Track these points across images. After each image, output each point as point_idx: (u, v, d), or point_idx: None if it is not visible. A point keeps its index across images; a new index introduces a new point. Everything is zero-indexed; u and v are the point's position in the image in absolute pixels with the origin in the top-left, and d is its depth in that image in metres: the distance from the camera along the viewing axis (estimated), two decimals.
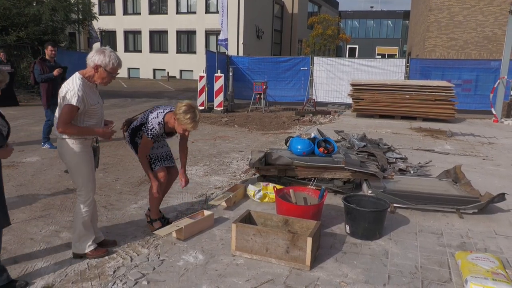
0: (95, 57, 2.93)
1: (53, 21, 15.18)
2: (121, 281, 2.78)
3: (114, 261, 3.06)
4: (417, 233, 3.67)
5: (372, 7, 52.91)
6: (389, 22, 49.20)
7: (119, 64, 3.01)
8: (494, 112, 11.77)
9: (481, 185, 5.00)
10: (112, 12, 30.01)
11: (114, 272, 2.90)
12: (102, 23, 21.18)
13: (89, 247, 3.09)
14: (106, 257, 3.12)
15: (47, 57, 6.89)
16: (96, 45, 19.03)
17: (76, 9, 16.26)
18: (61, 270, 2.92)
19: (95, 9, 19.63)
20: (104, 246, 3.25)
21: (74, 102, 2.81)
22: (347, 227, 3.60)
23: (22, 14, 13.94)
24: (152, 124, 3.30)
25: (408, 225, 3.85)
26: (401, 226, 3.82)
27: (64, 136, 2.93)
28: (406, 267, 3.04)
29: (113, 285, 2.73)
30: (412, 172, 5.49)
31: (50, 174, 5.27)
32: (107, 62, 2.92)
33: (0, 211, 2.60)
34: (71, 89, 2.85)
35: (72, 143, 2.94)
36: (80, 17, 16.99)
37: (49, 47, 6.92)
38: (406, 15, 43.72)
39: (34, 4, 14.58)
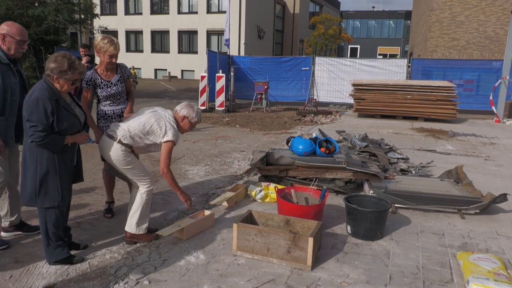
0: (184, 110, 3.46)
1: (55, 21, 15.21)
2: (122, 280, 2.78)
3: (116, 260, 3.07)
4: (419, 234, 3.66)
5: (373, 7, 52.91)
6: (391, 22, 49.16)
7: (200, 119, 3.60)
8: (495, 111, 11.75)
9: (483, 186, 4.99)
10: (113, 12, 30.06)
11: (115, 271, 2.90)
12: (103, 23, 21.19)
13: (145, 229, 3.38)
14: (108, 257, 3.12)
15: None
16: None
17: (78, 9, 16.27)
18: (62, 269, 2.92)
19: (97, 9, 19.64)
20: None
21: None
22: (349, 227, 3.60)
23: (24, 15, 13.96)
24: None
25: (410, 226, 3.84)
26: (402, 226, 3.82)
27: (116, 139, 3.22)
28: (408, 268, 3.03)
29: (114, 284, 2.73)
30: (413, 172, 5.49)
31: None
32: (193, 116, 3.49)
33: (52, 192, 2.83)
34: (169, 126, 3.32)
35: (119, 148, 3.23)
36: (82, 16, 17.00)
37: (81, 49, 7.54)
38: (407, 15, 43.68)
39: (36, 5, 14.60)
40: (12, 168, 3.36)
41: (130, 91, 4.07)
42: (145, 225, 3.37)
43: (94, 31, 18.59)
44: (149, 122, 3.29)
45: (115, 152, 3.22)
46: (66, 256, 3.00)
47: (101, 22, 19.15)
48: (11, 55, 3.14)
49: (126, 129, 3.27)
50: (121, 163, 3.24)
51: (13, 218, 3.44)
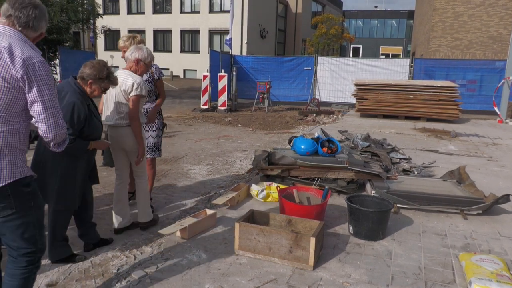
0: (135, 53, 3.45)
1: (59, 21, 15.25)
2: (124, 279, 2.79)
3: (118, 259, 3.08)
4: (421, 234, 3.66)
5: (376, 6, 52.73)
6: (393, 21, 49.04)
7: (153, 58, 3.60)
8: (497, 111, 11.72)
9: (485, 186, 4.98)
10: (116, 12, 30.08)
11: (117, 270, 2.91)
12: (106, 22, 21.23)
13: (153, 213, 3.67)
14: (110, 255, 3.13)
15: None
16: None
17: (80, 8, 16.31)
18: (65, 267, 2.93)
19: (100, 9, 19.67)
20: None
21: (143, 92, 3.38)
22: (351, 227, 3.59)
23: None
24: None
25: (412, 226, 3.84)
26: (404, 226, 3.81)
27: (125, 123, 3.38)
28: (410, 268, 3.03)
29: (116, 283, 2.74)
30: (416, 172, 5.48)
31: None
32: (146, 56, 3.48)
33: (69, 195, 2.92)
34: (137, 81, 3.34)
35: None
36: (85, 16, 17.04)
37: None
38: (410, 14, 43.58)
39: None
40: None
41: (160, 92, 4.11)
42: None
43: (97, 31, 18.63)
44: (120, 93, 3.36)
45: (134, 138, 3.42)
46: (69, 255, 3.04)
47: (104, 21, 19.16)
48: None
49: (123, 111, 3.37)
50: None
51: None
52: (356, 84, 12.08)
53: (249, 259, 3.09)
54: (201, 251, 3.22)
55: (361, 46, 45.92)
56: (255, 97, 13.43)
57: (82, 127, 2.84)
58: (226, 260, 3.08)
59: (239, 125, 10.28)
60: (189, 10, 27.95)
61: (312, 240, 2.89)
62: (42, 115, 1.93)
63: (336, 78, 14.63)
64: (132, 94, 3.32)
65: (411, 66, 13.99)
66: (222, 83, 12.66)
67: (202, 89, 12.85)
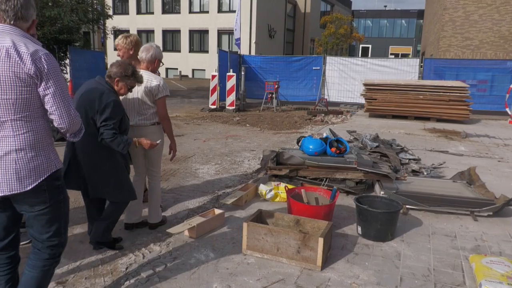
0: (153, 53, 3.55)
1: (69, 21, 15.39)
2: (133, 277, 2.81)
3: (127, 257, 3.10)
4: (430, 235, 3.63)
5: (385, 6, 52.53)
6: (403, 21, 48.72)
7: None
8: (509, 113, 11.57)
9: (496, 187, 4.92)
10: (125, 12, 30.29)
11: (126, 268, 2.93)
12: (116, 22, 21.37)
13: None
14: (119, 254, 3.15)
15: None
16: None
17: (90, 9, 16.43)
18: (74, 265, 2.96)
19: (110, 10, 19.80)
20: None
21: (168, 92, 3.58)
22: (359, 228, 3.58)
23: (40, 15, 14.14)
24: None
25: (421, 227, 3.81)
26: (413, 228, 3.78)
27: (149, 123, 3.51)
28: (419, 270, 3.01)
29: (125, 281, 2.76)
30: (425, 173, 5.43)
31: None
32: (162, 55, 3.66)
33: (129, 185, 3.13)
34: (161, 82, 3.48)
35: (160, 129, 3.59)
36: (95, 16, 17.17)
37: None
38: (420, 14, 43.25)
39: (50, 4, 14.78)
40: None
41: None
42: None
43: (107, 31, 18.77)
44: (144, 95, 3.46)
45: (160, 135, 3.57)
46: (112, 240, 3.27)
47: (113, 21, 19.29)
48: None
49: (146, 112, 3.48)
50: (162, 144, 3.55)
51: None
52: (365, 84, 12.01)
53: (257, 259, 3.09)
54: (209, 250, 3.23)
55: (370, 46, 45.72)
56: (264, 97, 13.43)
57: (120, 123, 3.02)
58: (234, 260, 3.08)
59: (247, 125, 10.28)
60: (198, 10, 28.05)
61: (320, 241, 2.89)
62: (54, 107, 1.96)
63: (345, 78, 14.56)
64: (159, 96, 3.48)
65: (421, 66, 13.87)
66: (231, 83, 12.68)
67: (210, 88, 12.88)
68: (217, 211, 3.82)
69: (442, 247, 3.39)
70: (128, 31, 29.59)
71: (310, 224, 3.31)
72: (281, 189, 4.43)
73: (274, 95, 13.17)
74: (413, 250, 3.32)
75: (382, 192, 4.27)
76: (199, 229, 3.46)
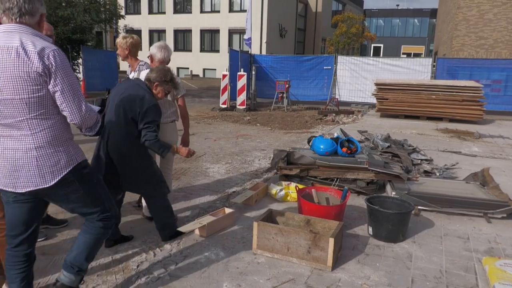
0: (168, 54, 3.83)
1: (82, 21, 15.57)
2: (144, 275, 2.83)
3: (138, 256, 3.12)
4: (442, 237, 3.59)
5: (398, 5, 51.94)
6: (415, 20, 48.21)
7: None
8: None
9: (510, 189, 4.84)
10: (137, 11, 30.52)
11: (137, 266, 2.95)
12: (127, 22, 21.54)
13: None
14: (130, 252, 3.18)
15: None
16: None
17: (103, 9, 16.60)
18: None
19: (122, 10, 19.98)
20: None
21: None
22: (370, 229, 3.55)
23: (54, 15, 14.33)
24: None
25: (433, 228, 3.77)
26: (425, 229, 3.75)
27: (170, 120, 3.70)
28: (431, 271, 2.98)
29: (136, 279, 2.78)
30: (437, 174, 5.37)
31: None
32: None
33: (159, 181, 3.25)
34: (179, 80, 3.56)
35: (175, 126, 3.78)
36: (108, 16, 17.33)
37: None
38: (433, 13, 42.76)
39: (63, 4, 14.96)
40: None
41: None
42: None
43: (119, 31, 18.94)
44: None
45: (175, 133, 3.79)
46: (177, 231, 3.39)
47: (125, 21, 19.45)
48: None
49: (166, 110, 3.64)
50: (176, 141, 3.75)
51: None
52: (376, 84, 11.93)
53: (267, 258, 3.09)
54: (219, 249, 3.24)
55: (382, 45, 45.34)
56: (274, 97, 13.41)
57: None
58: (244, 259, 3.09)
59: (258, 124, 10.29)
60: (209, 10, 28.13)
61: (331, 241, 2.87)
62: (64, 104, 1.98)
63: (356, 78, 14.47)
64: (180, 94, 3.78)
65: (434, 66, 13.72)
66: (241, 82, 12.70)
67: (221, 88, 12.91)
68: (228, 210, 3.83)
69: (454, 249, 3.35)
70: (140, 31, 29.85)
71: (320, 224, 3.30)
72: (291, 189, 4.42)
73: (284, 95, 13.15)
74: (425, 252, 3.29)
75: (393, 193, 4.23)
76: (209, 228, 3.47)
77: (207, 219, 3.58)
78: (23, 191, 2.04)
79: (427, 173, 5.36)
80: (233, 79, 12.92)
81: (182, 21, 29.01)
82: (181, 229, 3.43)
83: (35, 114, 1.95)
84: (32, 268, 2.31)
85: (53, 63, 1.92)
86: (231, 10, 27.17)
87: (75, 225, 3.66)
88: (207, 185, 5.00)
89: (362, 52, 41.05)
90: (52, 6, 14.42)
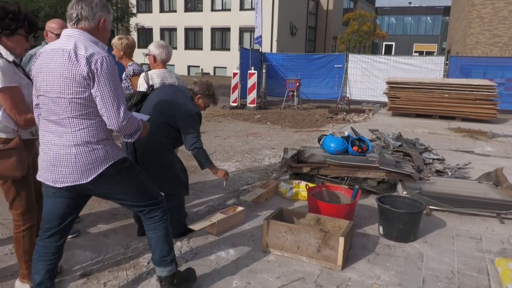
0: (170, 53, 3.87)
1: None
2: (154, 272, 2.84)
3: (148, 252, 3.13)
4: (454, 237, 3.55)
5: (410, 2, 51.31)
6: (428, 18, 47.66)
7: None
8: None
9: None
10: (149, 10, 30.69)
11: (148, 263, 2.98)
12: (139, 20, 21.69)
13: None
14: (141, 248, 3.20)
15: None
16: None
17: (115, 7, 16.72)
18: (98, 259, 3.03)
19: (134, 9, 20.11)
20: None
21: None
22: (381, 228, 3.53)
23: (65, 13, 14.50)
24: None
25: (445, 229, 3.73)
26: (437, 229, 3.71)
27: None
28: (442, 272, 2.95)
29: (147, 275, 2.81)
30: (450, 173, 5.32)
31: None
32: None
33: (182, 182, 3.35)
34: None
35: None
36: (119, 15, 17.46)
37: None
38: (446, 11, 42.22)
39: None
40: None
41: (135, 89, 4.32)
42: None
43: (131, 29, 19.07)
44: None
45: None
46: (186, 229, 3.44)
47: (137, 19, 19.58)
48: None
49: None
50: None
51: None
52: (388, 82, 11.83)
53: (277, 256, 3.09)
54: (229, 247, 3.25)
55: (393, 43, 44.87)
56: (285, 95, 13.38)
57: None
58: (254, 257, 3.09)
59: (268, 122, 10.28)
60: (220, 8, 28.15)
61: (341, 240, 2.86)
62: (103, 109, 2.05)
63: (367, 76, 14.36)
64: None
65: (446, 64, 13.56)
66: (252, 81, 12.69)
67: (231, 86, 12.93)
68: (238, 208, 3.83)
69: (466, 250, 3.31)
70: (151, 29, 30.03)
71: (331, 223, 3.29)
72: (301, 188, 4.41)
73: (295, 93, 13.11)
74: (436, 252, 3.26)
75: (404, 192, 4.20)
76: (219, 225, 3.48)
77: (217, 217, 3.59)
78: (61, 186, 2.12)
79: (439, 173, 5.30)
80: (244, 77, 12.92)
81: (193, 19, 29.08)
82: (191, 226, 3.45)
83: (76, 114, 2.04)
84: (58, 262, 2.36)
85: (99, 68, 2.00)
86: (241, 8, 27.16)
87: (87, 221, 3.70)
88: (217, 183, 5.01)
89: (374, 50, 40.74)
90: (65, 5, 14.58)
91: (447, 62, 13.60)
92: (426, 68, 13.54)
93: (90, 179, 2.12)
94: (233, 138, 7.95)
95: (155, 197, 2.40)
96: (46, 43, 3.22)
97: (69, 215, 2.29)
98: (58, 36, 3.18)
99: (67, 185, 2.12)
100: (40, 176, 2.19)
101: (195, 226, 3.44)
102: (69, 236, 3.31)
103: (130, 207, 2.42)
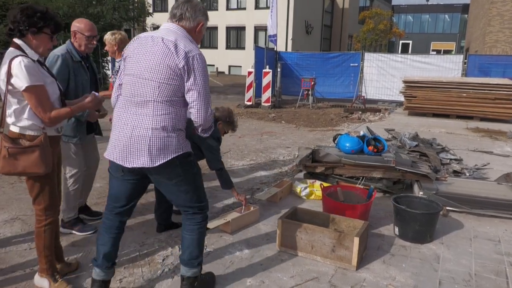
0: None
1: (112, 19, 15.90)
2: (169, 269, 2.88)
3: (163, 250, 3.18)
4: (472, 239, 3.49)
5: (427, 0, 50.56)
6: (446, 16, 46.88)
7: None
8: None
9: None
10: (165, 9, 30.91)
11: (163, 260, 3.01)
12: (155, 20, 21.88)
13: None
14: (156, 246, 3.24)
15: None
16: None
17: (132, 6, 16.90)
18: None
19: (150, 8, 20.30)
20: None
21: None
22: (396, 229, 3.49)
23: (84, 13, 14.71)
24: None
25: (462, 230, 3.67)
26: (454, 230, 3.65)
27: None
28: (459, 274, 2.90)
29: (161, 273, 2.84)
30: (467, 174, 5.23)
31: (105, 164, 5.52)
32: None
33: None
34: None
35: None
36: (136, 14, 17.64)
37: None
38: (465, 8, 41.45)
39: (94, 2, 15.32)
40: (94, 154, 3.63)
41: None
42: None
43: (147, 28, 19.26)
44: None
45: None
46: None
47: (153, 19, 19.75)
48: (82, 51, 3.26)
49: None
50: None
51: (81, 199, 3.64)
52: (405, 81, 11.68)
53: (291, 256, 3.09)
54: (243, 245, 3.26)
55: (410, 42, 44.25)
56: (300, 94, 13.33)
57: None
58: (268, 256, 3.09)
59: (283, 121, 10.26)
60: (235, 7, 28.19)
61: (356, 240, 2.84)
62: (195, 102, 2.21)
63: (383, 75, 14.20)
64: None
65: (465, 63, 13.31)
66: (267, 80, 12.68)
67: (246, 85, 12.94)
68: (252, 207, 3.84)
69: (484, 252, 3.25)
70: None
71: (345, 223, 3.27)
72: (316, 187, 4.39)
73: (310, 92, 13.05)
74: (453, 254, 3.21)
75: (421, 193, 4.15)
76: (234, 224, 3.49)
77: (231, 215, 3.61)
78: (130, 167, 2.22)
79: (456, 173, 5.22)
80: (259, 76, 12.92)
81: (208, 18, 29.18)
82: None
83: (162, 99, 2.17)
84: (121, 236, 2.52)
85: (196, 64, 2.17)
86: (257, 7, 27.15)
87: None
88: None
89: (390, 49, 40.28)
90: (83, 4, 14.81)
91: (465, 60, 13.36)
92: (444, 67, 13.32)
93: (157, 164, 2.19)
94: (248, 137, 7.96)
95: (202, 200, 2.47)
96: (71, 43, 3.23)
97: (135, 196, 2.45)
98: (88, 38, 3.21)
99: (135, 166, 2.20)
100: (109, 155, 2.28)
101: (210, 224, 3.46)
102: (85, 233, 3.39)
103: (177, 203, 2.46)
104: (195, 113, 2.22)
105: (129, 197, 2.41)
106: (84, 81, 3.28)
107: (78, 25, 3.20)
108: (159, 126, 2.17)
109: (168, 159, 2.21)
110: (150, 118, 2.17)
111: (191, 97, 2.20)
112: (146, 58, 2.18)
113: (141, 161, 2.18)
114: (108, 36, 4.06)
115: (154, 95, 2.16)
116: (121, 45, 4.02)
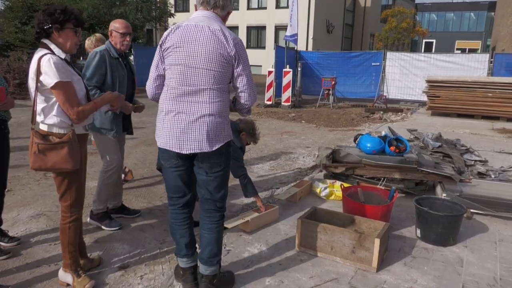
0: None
1: (135, 19, 16.16)
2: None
3: None
4: (497, 243, 3.40)
5: None
6: (472, 14, 45.71)
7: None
8: None
9: None
10: (186, 9, 31.20)
11: None
12: (177, 20, 22.06)
13: None
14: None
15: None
16: None
17: (154, 7, 17.13)
18: (135, 252, 3.12)
19: (172, 9, 20.51)
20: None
21: None
22: (418, 231, 3.43)
23: (108, 14, 15.00)
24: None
25: (487, 233, 3.58)
26: (478, 233, 3.56)
27: None
28: (483, 278, 2.83)
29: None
30: (493, 176, 5.09)
31: (126, 163, 5.62)
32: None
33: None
34: None
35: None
36: (158, 14, 17.87)
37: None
38: (491, 6, 40.34)
39: (117, 3, 15.60)
40: (120, 152, 3.65)
41: None
42: None
43: (169, 29, 19.50)
44: None
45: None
46: None
47: (175, 19, 19.96)
48: (119, 49, 3.40)
49: None
50: None
51: (115, 201, 3.73)
52: (428, 81, 11.45)
53: (310, 256, 3.08)
54: (262, 245, 3.26)
55: (434, 40, 43.35)
56: (320, 93, 13.25)
57: None
58: (287, 256, 3.09)
59: (303, 121, 10.22)
60: (256, 7, 28.21)
61: (377, 241, 2.81)
62: (246, 86, 2.36)
63: (406, 75, 13.95)
64: None
65: (491, 62, 12.96)
66: (287, 79, 12.65)
67: (266, 84, 12.94)
68: (272, 207, 3.84)
69: (510, 256, 3.16)
70: None
71: (366, 224, 3.24)
72: (336, 187, 4.36)
73: (330, 92, 12.95)
74: (477, 257, 3.13)
75: (444, 194, 4.06)
76: (253, 223, 3.50)
77: (250, 215, 3.62)
78: (186, 153, 2.30)
79: (481, 175, 5.08)
80: (279, 75, 12.89)
81: (229, 17, 29.20)
82: (225, 224, 3.48)
83: (217, 86, 2.27)
84: (193, 226, 2.60)
85: (242, 51, 2.31)
86: (277, 6, 27.10)
87: (144, 216, 3.81)
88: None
89: (413, 48, 39.57)
90: (108, 5, 15.09)
91: (491, 59, 13.01)
92: (469, 66, 13.00)
93: (216, 148, 2.30)
94: (268, 137, 7.96)
95: (225, 198, 2.52)
96: (110, 42, 3.39)
97: (190, 184, 2.49)
98: (122, 35, 3.37)
99: (192, 151, 2.29)
100: (164, 144, 2.33)
101: (229, 224, 3.48)
102: (111, 229, 3.46)
103: (203, 196, 2.47)
104: (246, 96, 2.37)
105: (185, 185, 2.47)
106: (121, 76, 3.39)
107: (114, 24, 3.40)
108: (215, 112, 2.27)
109: (223, 143, 2.32)
110: (207, 105, 2.26)
111: (241, 82, 2.33)
112: (197, 48, 2.23)
113: (200, 146, 2.27)
114: (87, 43, 4.44)
115: (210, 83, 2.25)
116: (99, 43, 4.29)
